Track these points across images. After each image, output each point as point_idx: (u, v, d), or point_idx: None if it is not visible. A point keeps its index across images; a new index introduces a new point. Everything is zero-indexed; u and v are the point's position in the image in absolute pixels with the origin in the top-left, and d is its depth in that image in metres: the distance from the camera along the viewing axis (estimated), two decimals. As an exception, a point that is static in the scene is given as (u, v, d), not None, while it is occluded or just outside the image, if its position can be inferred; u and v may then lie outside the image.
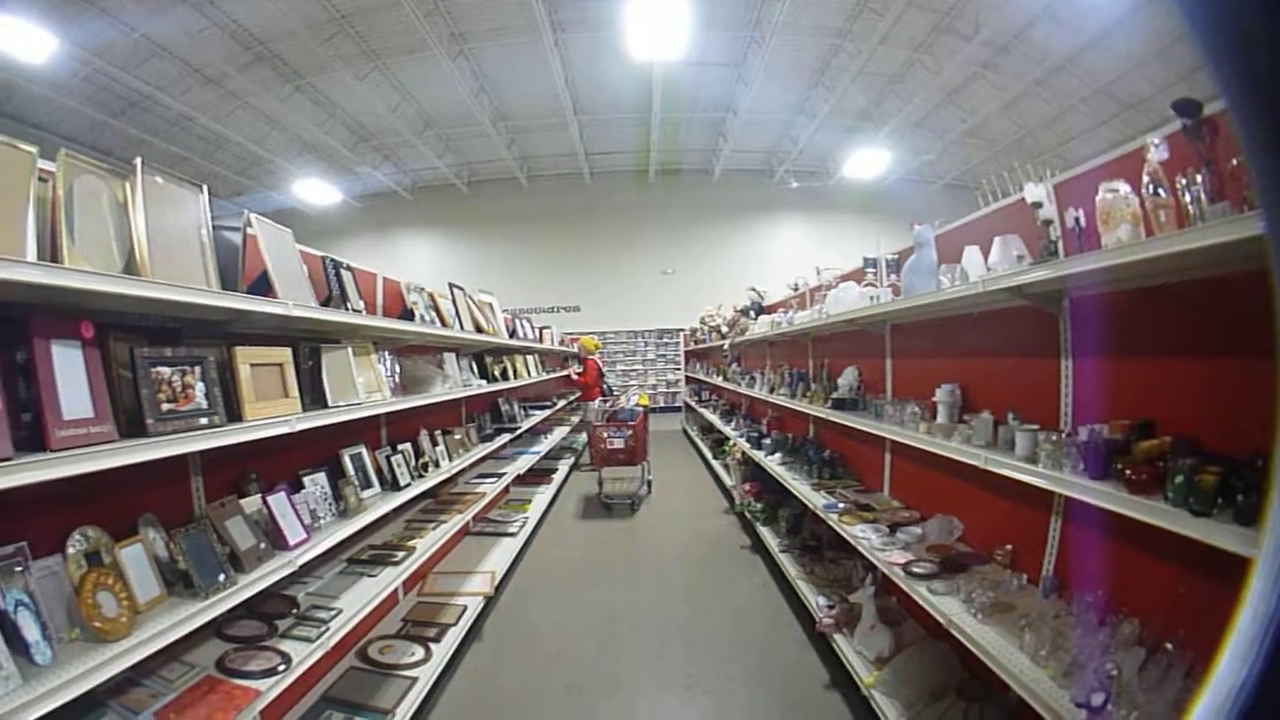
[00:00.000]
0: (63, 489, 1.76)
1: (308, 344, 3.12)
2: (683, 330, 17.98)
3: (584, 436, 12.56)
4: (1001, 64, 12.94)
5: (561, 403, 11.66)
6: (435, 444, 4.89)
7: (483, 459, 6.22)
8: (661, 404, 19.75)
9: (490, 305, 7.08)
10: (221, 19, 11.07)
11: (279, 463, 3.28)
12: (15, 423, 1.67)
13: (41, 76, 11.29)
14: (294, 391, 2.81)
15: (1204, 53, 0.51)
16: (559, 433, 10.64)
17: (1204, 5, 0.50)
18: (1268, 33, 0.46)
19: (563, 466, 10.33)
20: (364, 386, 3.53)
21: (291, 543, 2.75)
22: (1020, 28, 11.59)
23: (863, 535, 3.83)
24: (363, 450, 3.87)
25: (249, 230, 2.80)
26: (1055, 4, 10.73)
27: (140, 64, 11.80)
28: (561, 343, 13.23)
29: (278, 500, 2.83)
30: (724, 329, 10.59)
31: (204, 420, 2.24)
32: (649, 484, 9.19)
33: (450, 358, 5.27)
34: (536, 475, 9.15)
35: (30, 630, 1.70)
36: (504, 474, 6.70)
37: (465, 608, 4.71)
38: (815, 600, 4.58)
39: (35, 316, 1.77)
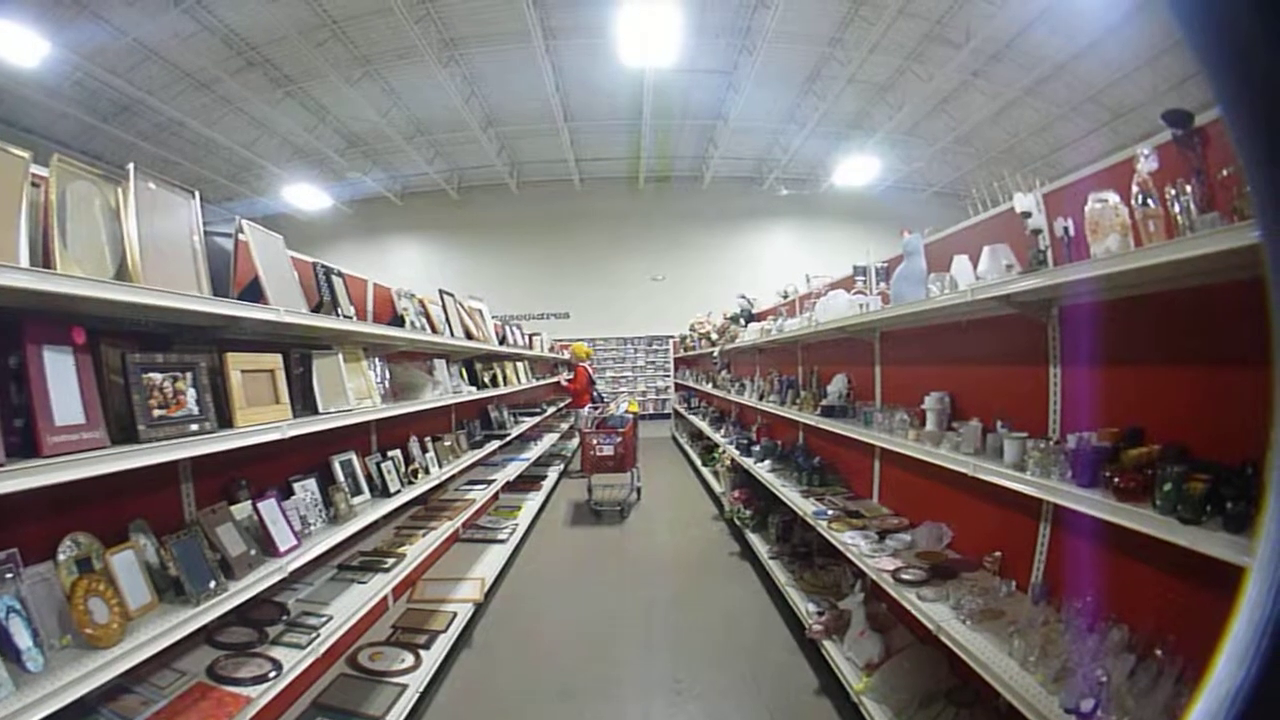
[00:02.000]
0: (54, 495, 1.75)
1: (299, 350, 3.11)
2: (672, 337, 18.02)
3: (573, 443, 12.56)
4: (992, 72, 13.06)
5: (551, 409, 11.64)
6: (425, 450, 4.88)
7: (472, 465, 6.20)
8: (651, 411, 19.79)
9: (480, 312, 7.07)
10: (213, 23, 11.07)
11: (270, 469, 3.26)
12: (7, 429, 1.66)
13: (33, 80, 11.25)
14: (285, 398, 2.81)
15: (1200, 60, 0.51)
16: (549, 439, 10.61)
17: (1200, 12, 0.50)
18: (1265, 40, 0.46)
19: (552, 473, 10.31)
20: (354, 393, 3.53)
21: (282, 549, 2.74)
22: (1011, 36, 11.71)
23: (852, 542, 3.84)
24: (353, 456, 3.86)
25: (241, 236, 2.79)
26: (1047, 12, 10.82)
27: (131, 68, 11.78)
28: (551, 349, 13.21)
29: (268, 506, 2.82)
30: (714, 336, 10.61)
31: (195, 426, 2.23)
32: (638, 491, 9.17)
33: (440, 364, 5.27)
34: (526, 482, 9.13)
35: (22, 637, 1.69)
36: (494, 480, 6.67)
37: (455, 614, 4.69)
38: (805, 606, 4.58)
39: (27, 322, 1.77)
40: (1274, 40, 0.46)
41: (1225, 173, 1.69)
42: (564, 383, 13.27)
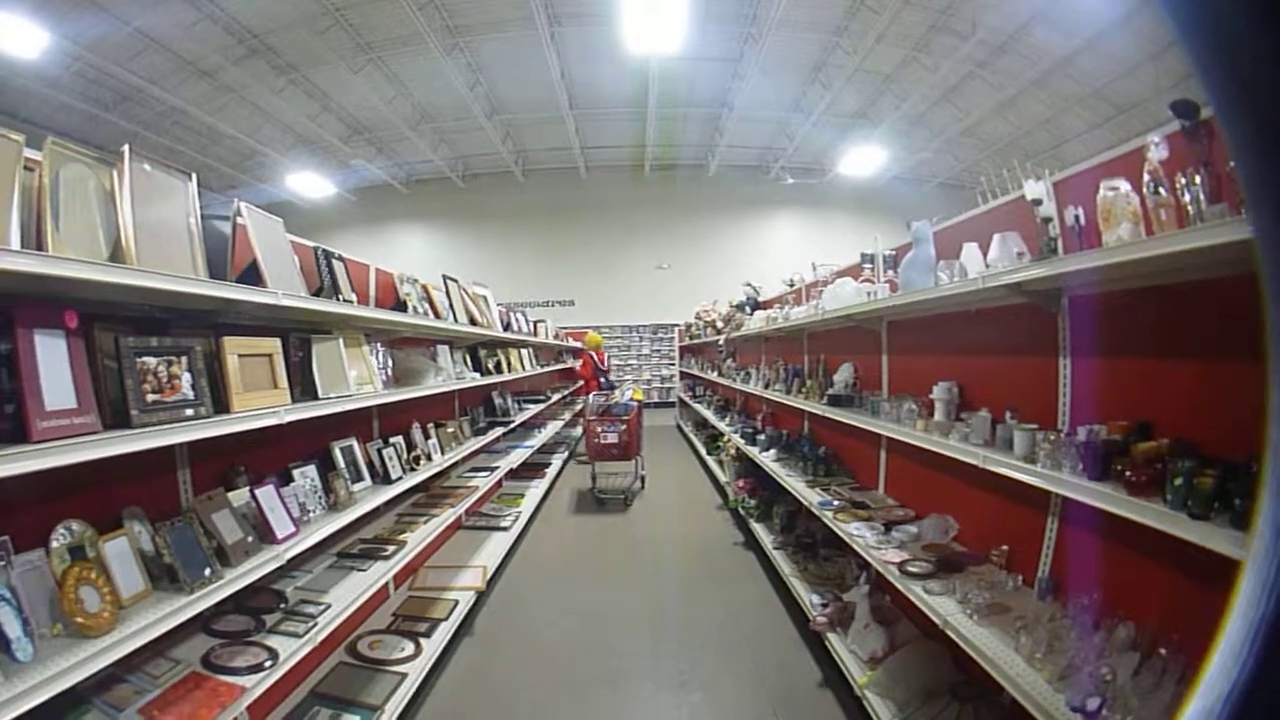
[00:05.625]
0: (46, 481, 1.73)
1: (298, 335, 3.08)
2: (678, 325, 17.96)
3: (577, 431, 12.56)
4: (998, 64, 12.96)
5: (556, 396, 11.63)
6: (427, 437, 4.86)
7: (475, 452, 6.18)
8: (656, 399, 19.79)
9: (484, 298, 7.04)
10: (215, 11, 11.01)
11: (268, 455, 3.24)
12: (-3, 413, 1.64)
13: (34, 71, 11.25)
14: (283, 383, 2.78)
15: (1191, 59, 0.51)
16: (553, 427, 10.57)
17: (1191, 12, 0.50)
18: (1256, 40, 0.46)
19: (556, 461, 10.28)
20: (355, 378, 3.50)
21: (279, 536, 2.71)
22: (1016, 28, 11.62)
23: (858, 533, 3.81)
24: (354, 443, 3.83)
25: (239, 220, 2.76)
26: (1051, 6, 10.74)
27: (133, 57, 11.74)
28: (556, 337, 13.20)
29: (266, 493, 2.79)
30: (719, 324, 10.58)
31: (190, 411, 2.21)
32: (642, 479, 9.15)
33: (444, 350, 5.24)
34: (530, 469, 9.11)
35: (11, 626, 1.66)
36: (497, 468, 6.66)
37: (456, 602, 4.68)
38: (809, 598, 4.56)
39: (18, 306, 1.74)
40: (1264, 40, 0.46)
41: (1232, 164, 1.65)
42: (576, 369, 13.39)
